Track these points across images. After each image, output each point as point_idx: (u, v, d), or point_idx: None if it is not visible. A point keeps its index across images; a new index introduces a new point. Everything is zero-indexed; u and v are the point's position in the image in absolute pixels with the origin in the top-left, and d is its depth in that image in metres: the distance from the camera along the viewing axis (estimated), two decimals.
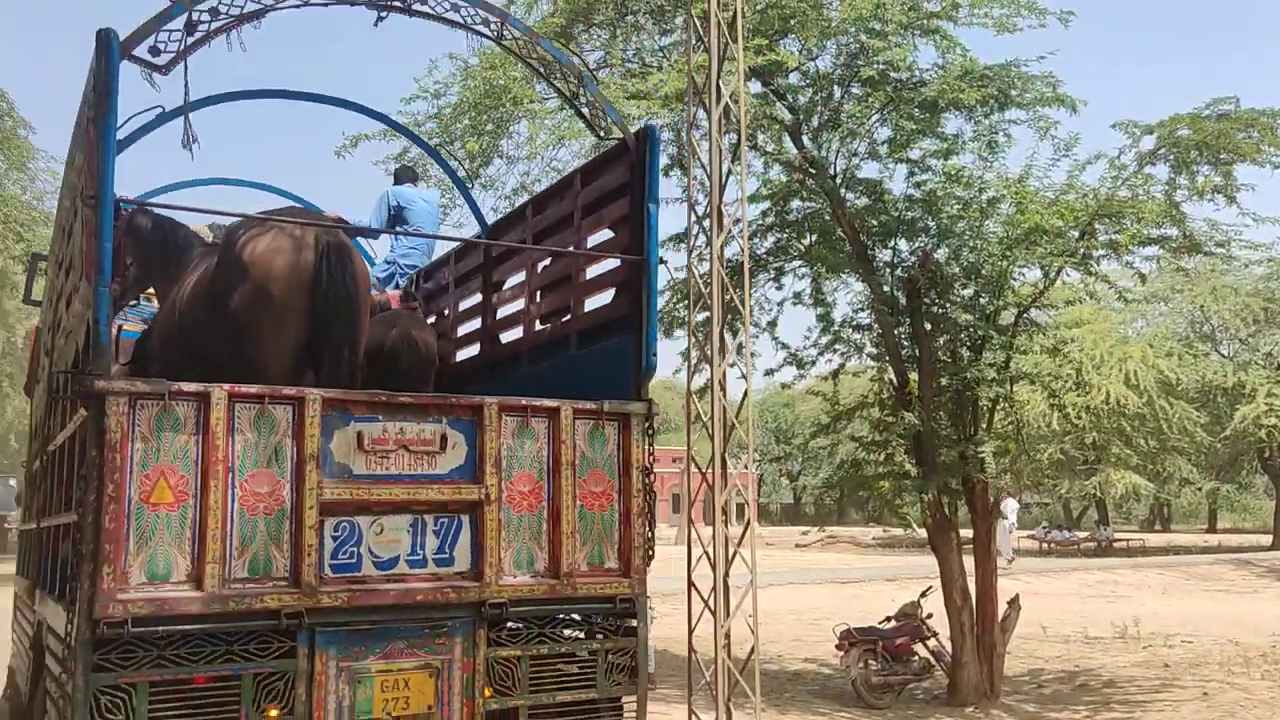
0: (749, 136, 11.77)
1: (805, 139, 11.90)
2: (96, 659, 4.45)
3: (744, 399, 7.42)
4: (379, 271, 8.38)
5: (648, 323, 5.89)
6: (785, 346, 13.05)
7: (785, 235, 13.08)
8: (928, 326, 11.99)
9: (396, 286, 7.92)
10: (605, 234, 6.40)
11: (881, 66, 10.61)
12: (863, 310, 12.83)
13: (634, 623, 5.60)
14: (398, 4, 5.79)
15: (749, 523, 7.01)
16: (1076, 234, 11.16)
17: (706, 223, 7.72)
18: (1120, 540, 42.37)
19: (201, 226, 7.25)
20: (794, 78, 11.64)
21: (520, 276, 7.22)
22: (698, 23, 7.94)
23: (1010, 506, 31.71)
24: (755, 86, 11.37)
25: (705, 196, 8.04)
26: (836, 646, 11.97)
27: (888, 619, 12.37)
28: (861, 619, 12.85)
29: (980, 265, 11.62)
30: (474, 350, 7.83)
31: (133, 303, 7.33)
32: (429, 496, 5.19)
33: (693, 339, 8.82)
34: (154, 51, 5.04)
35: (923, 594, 12.51)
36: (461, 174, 10.04)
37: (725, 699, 6.95)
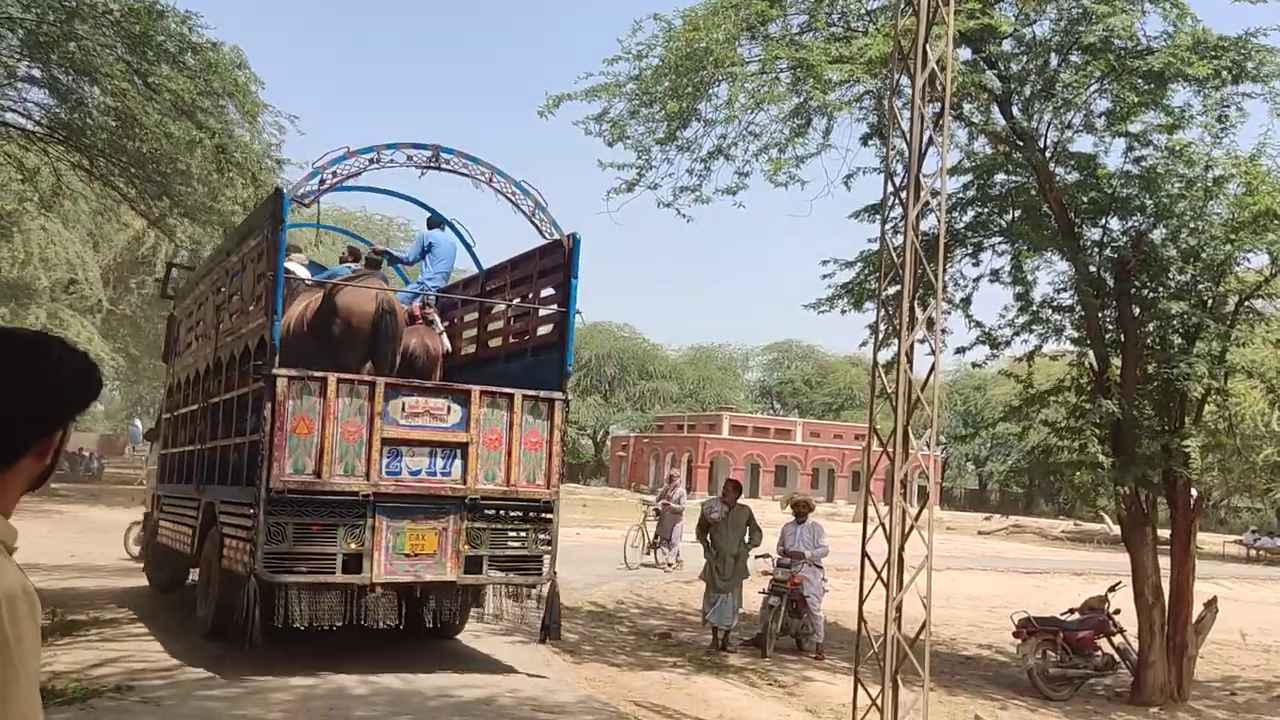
0: (954, 105, 11.41)
1: (1015, 109, 11.45)
2: (268, 509, 8.50)
3: (930, 373, 7.29)
4: (413, 287, 12.25)
5: (565, 347, 9.95)
6: (979, 325, 12.66)
7: (986, 210, 12.65)
8: (1136, 311, 11.40)
9: (424, 304, 11.69)
10: (549, 290, 10.64)
11: (1104, 33, 10.07)
12: (1065, 290, 12.32)
13: (549, 514, 9.65)
14: (431, 165, 10.25)
15: (928, 500, 6.91)
16: None
17: (904, 194, 7.58)
18: None
19: (302, 257, 12.17)
20: (1007, 44, 11.20)
21: (501, 306, 11.64)
22: None
23: None
24: (964, 53, 11.01)
25: (904, 167, 7.89)
26: (1014, 634, 11.65)
27: (1071, 611, 11.93)
28: (1043, 610, 12.43)
29: (1201, 248, 10.95)
30: (472, 348, 12.28)
31: None
32: (439, 438, 9.22)
33: (883, 312, 8.69)
34: (303, 196, 9.73)
35: (1111, 588, 12.01)
36: (660, 135, 10.63)
37: (893, 672, 6.91)
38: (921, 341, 7.53)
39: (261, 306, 9.28)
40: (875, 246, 13.11)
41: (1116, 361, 11.49)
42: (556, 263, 10.40)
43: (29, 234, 22.85)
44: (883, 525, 7.07)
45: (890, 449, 7.22)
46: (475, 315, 12.32)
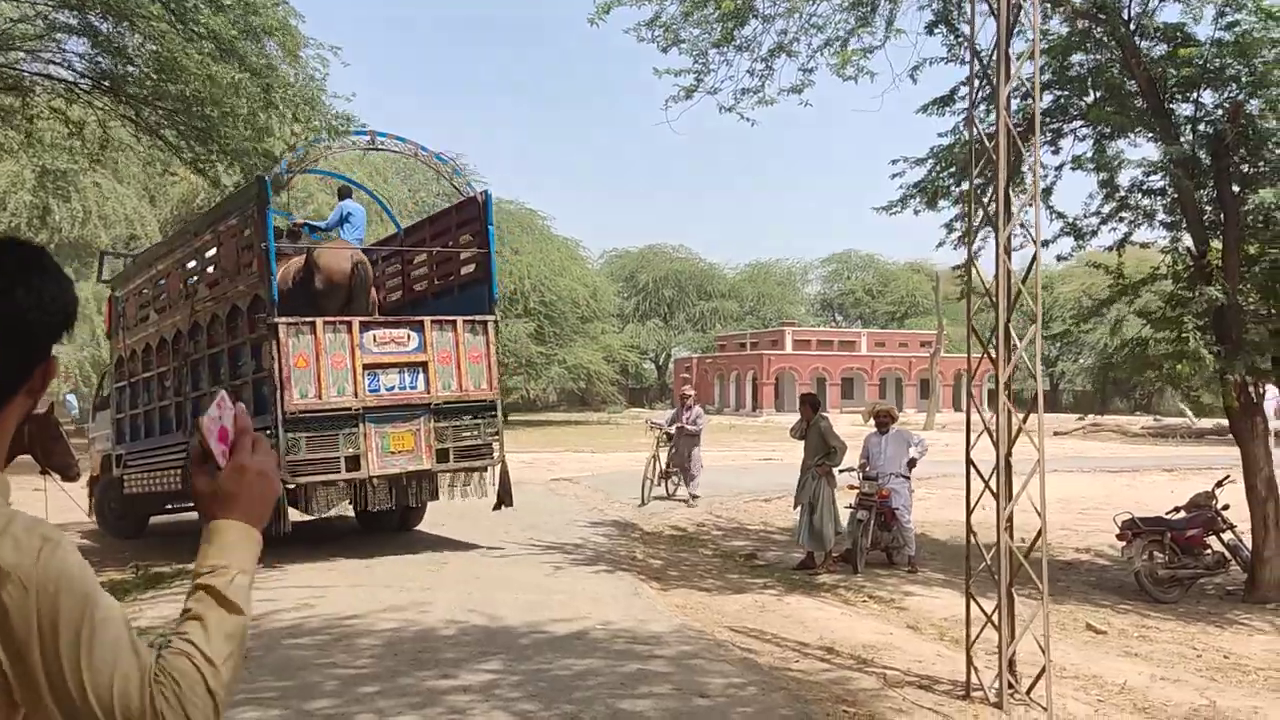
0: None
1: None
2: (285, 427, 10.73)
3: (1032, 264, 6.74)
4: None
5: (490, 280, 12.46)
6: (1061, 216, 11.98)
7: (1064, 94, 11.88)
8: (1236, 189, 10.63)
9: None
10: (468, 237, 13.09)
11: None
12: (1155, 173, 11.54)
13: (494, 412, 12.13)
14: (370, 147, 13.11)
15: (1036, 396, 6.44)
16: None
17: (992, 70, 6.96)
18: None
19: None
20: None
21: (423, 256, 14.00)
22: None
23: (1272, 394, 28.05)
24: None
25: (990, 41, 7.25)
26: (1118, 537, 11.16)
27: (1176, 509, 11.39)
28: (1137, 510, 11.88)
29: None
30: (398, 294, 14.31)
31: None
32: (405, 360, 11.60)
33: (970, 206, 8.13)
34: (276, 182, 11.59)
35: (1218, 484, 11.42)
36: (716, 36, 10.00)
37: (1007, 583, 6.51)
38: (1023, 226, 6.98)
39: (254, 272, 11.36)
40: (944, 142, 12.46)
41: (1216, 244, 10.78)
42: (472, 215, 12.91)
43: (85, 192, 22.82)
44: (988, 430, 6.61)
45: (991, 350, 6.74)
46: (398, 266, 14.61)
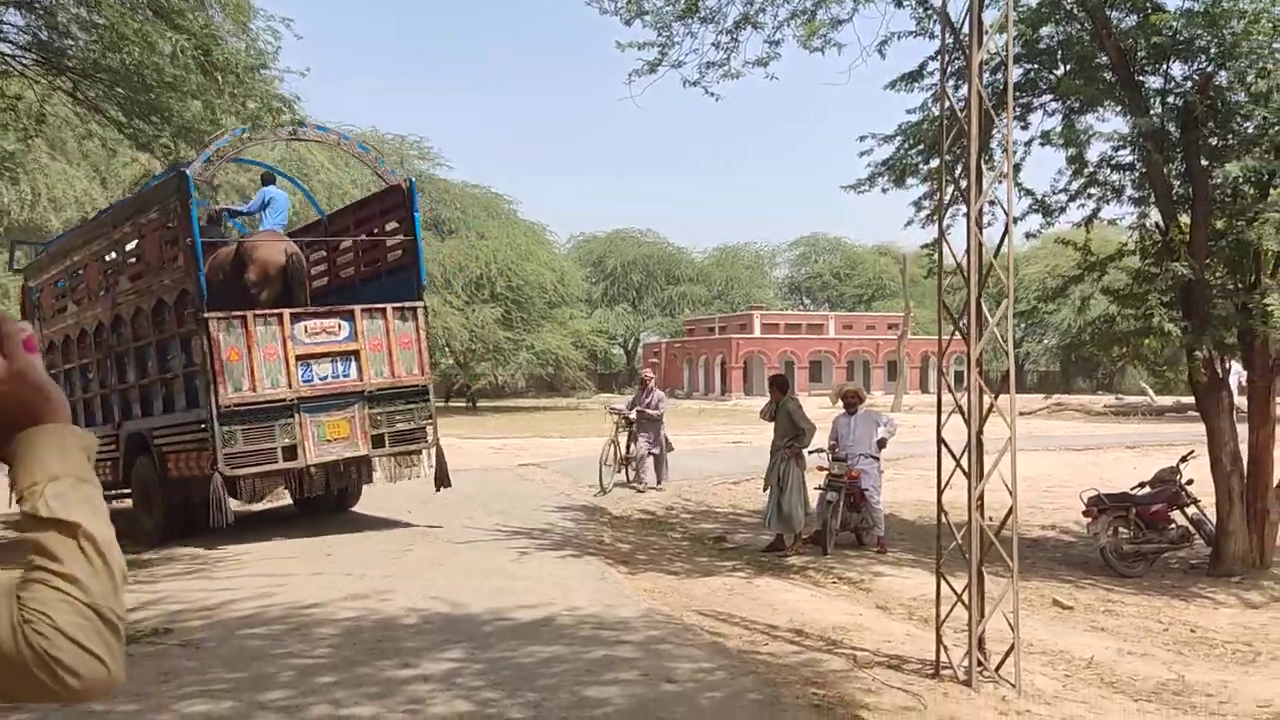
0: None
1: None
2: (221, 421, 10.88)
3: (1004, 238, 6.61)
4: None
5: (418, 266, 12.52)
6: (1029, 193, 11.89)
7: (1034, 67, 11.78)
8: (1204, 163, 10.57)
9: None
10: (393, 224, 13.15)
11: None
12: (1123, 148, 11.47)
13: (426, 397, 12.32)
14: (292, 137, 13.72)
15: (1008, 372, 6.32)
16: None
17: (950, 55, 6.81)
18: None
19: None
20: None
21: (349, 242, 14.01)
22: None
23: (1236, 369, 27.97)
24: None
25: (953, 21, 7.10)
26: (1083, 513, 11.13)
27: (1141, 485, 11.38)
28: (1102, 486, 11.85)
29: (1271, 90, 10.06)
30: (324, 280, 14.12)
31: None
32: (336, 349, 11.69)
33: (944, 178, 8.00)
34: (200, 173, 11.51)
35: (1182, 459, 11.43)
36: (681, 7, 9.77)
37: (978, 562, 6.40)
38: (992, 203, 6.85)
39: (179, 266, 11.35)
40: (913, 119, 12.31)
41: (1184, 219, 10.72)
42: (397, 202, 13.04)
43: (33, 174, 22.22)
44: (960, 409, 6.48)
45: (962, 327, 6.61)
46: (323, 253, 14.49)
